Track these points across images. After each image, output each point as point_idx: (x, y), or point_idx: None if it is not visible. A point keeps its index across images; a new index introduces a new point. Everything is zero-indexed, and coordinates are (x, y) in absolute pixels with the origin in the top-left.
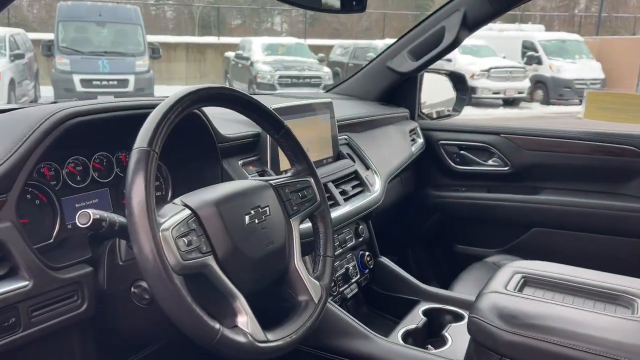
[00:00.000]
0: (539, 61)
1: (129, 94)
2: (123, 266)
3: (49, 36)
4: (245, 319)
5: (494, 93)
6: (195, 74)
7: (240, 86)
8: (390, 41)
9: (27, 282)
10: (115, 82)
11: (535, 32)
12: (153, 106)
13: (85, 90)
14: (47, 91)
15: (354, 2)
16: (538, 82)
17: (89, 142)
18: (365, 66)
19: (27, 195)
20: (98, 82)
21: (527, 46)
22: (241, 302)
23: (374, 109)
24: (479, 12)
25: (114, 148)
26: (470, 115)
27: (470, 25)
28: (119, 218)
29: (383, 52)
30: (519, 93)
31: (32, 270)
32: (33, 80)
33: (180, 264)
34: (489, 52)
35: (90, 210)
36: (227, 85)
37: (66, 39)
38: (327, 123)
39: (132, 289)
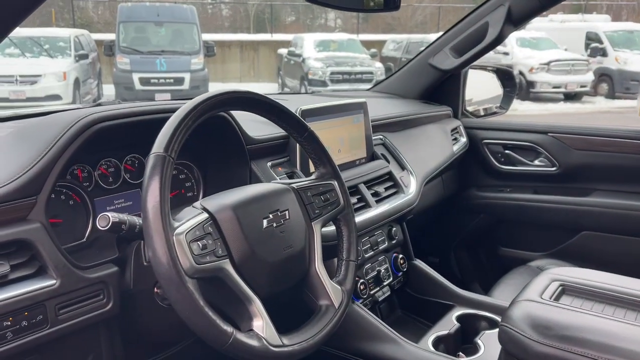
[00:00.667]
0: (603, 53)
1: (184, 91)
2: (148, 267)
3: (111, 37)
4: (261, 323)
5: (555, 87)
6: (249, 71)
7: (292, 83)
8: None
9: (54, 281)
10: (172, 80)
11: (600, 23)
12: (175, 110)
13: (144, 88)
14: (109, 89)
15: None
16: (603, 75)
17: (120, 145)
18: (407, 64)
19: (62, 196)
20: (156, 80)
21: (591, 37)
22: (257, 306)
23: (414, 108)
24: (525, 7)
25: (145, 150)
26: (528, 110)
27: (515, 20)
28: (139, 220)
29: (425, 49)
30: (582, 87)
31: (59, 269)
32: (96, 79)
33: (194, 267)
34: (549, 45)
35: (109, 214)
36: (279, 82)
37: (126, 39)
38: (360, 123)
39: (155, 289)
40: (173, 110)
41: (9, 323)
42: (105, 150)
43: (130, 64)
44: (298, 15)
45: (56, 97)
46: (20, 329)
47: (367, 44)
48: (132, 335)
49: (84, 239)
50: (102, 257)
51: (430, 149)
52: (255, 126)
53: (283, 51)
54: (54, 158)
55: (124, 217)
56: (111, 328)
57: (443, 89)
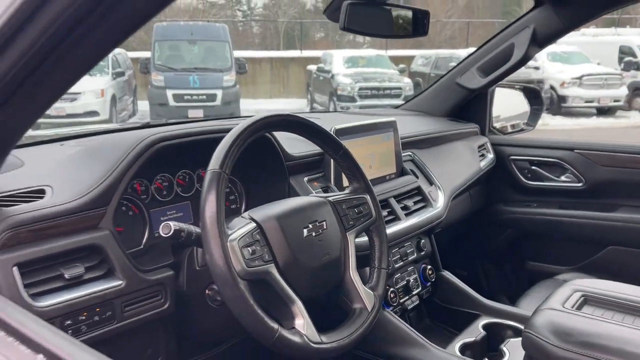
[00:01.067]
0: (638, 67)
1: (216, 107)
2: (200, 271)
3: (147, 55)
4: (302, 322)
5: (587, 102)
6: (279, 88)
7: (321, 98)
8: (474, 50)
9: (121, 282)
10: (204, 97)
11: (634, 36)
12: (227, 131)
13: (177, 104)
14: (143, 105)
15: (420, 26)
16: (637, 90)
17: (173, 161)
18: (435, 83)
19: (123, 207)
20: (189, 97)
21: (625, 51)
22: (299, 307)
23: (442, 125)
24: (549, 29)
25: (195, 166)
26: (560, 125)
27: (540, 41)
28: (195, 229)
29: (452, 69)
30: (615, 101)
31: (125, 271)
32: (132, 96)
33: (245, 270)
34: (581, 59)
35: (171, 222)
36: (308, 98)
37: (161, 57)
38: (390, 141)
39: (207, 291)
40: (224, 131)
41: (84, 317)
42: (160, 166)
43: (165, 81)
44: (327, 31)
45: (94, 114)
46: (93, 323)
47: (396, 60)
48: (185, 333)
49: (142, 246)
50: (159, 262)
51: (458, 165)
52: (292, 144)
53: (312, 67)
54: (121, 174)
55: (183, 225)
56: (167, 326)
57: (470, 107)
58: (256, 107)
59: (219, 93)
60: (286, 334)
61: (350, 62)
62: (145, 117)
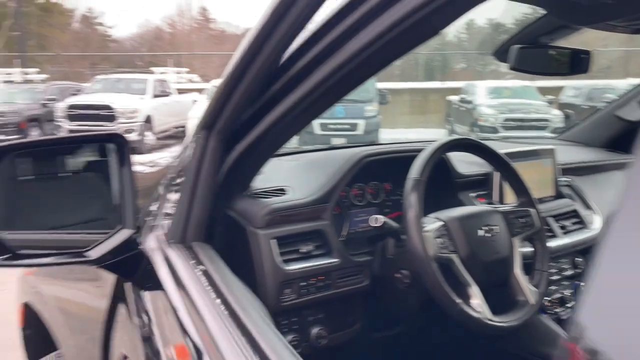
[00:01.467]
0: None
1: (358, 136)
2: (390, 259)
3: None
4: (478, 302)
5: None
6: (418, 118)
7: (461, 129)
8: (632, 81)
9: (337, 260)
10: (348, 126)
11: None
12: (416, 151)
13: (322, 132)
14: None
15: (582, 64)
16: None
17: (366, 174)
18: (591, 115)
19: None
20: (333, 126)
21: None
22: (475, 289)
23: (600, 155)
24: None
25: (382, 179)
26: None
27: None
28: (393, 223)
29: (611, 102)
30: None
31: (339, 252)
32: None
33: (436, 254)
34: None
35: (379, 216)
36: (449, 128)
37: None
38: (549, 167)
39: (396, 275)
40: (416, 151)
41: (312, 282)
42: (357, 177)
43: None
44: (469, 62)
45: None
46: (317, 288)
47: (543, 91)
48: (378, 308)
49: (343, 239)
50: (358, 250)
51: (616, 193)
52: (461, 164)
53: (453, 98)
54: (340, 180)
55: (387, 219)
56: (365, 300)
57: (630, 138)
58: (394, 136)
59: (362, 123)
60: (465, 307)
61: (494, 92)
62: (293, 143)
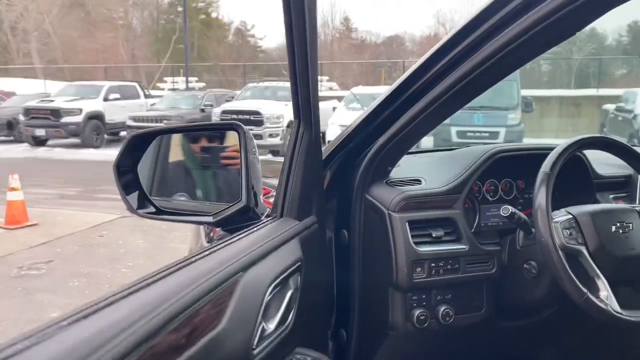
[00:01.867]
0: None
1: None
2: (520, 250)
3: None
4: (607, 294)
5: None
6: (566, 127)
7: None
8: None
9: (465, 246)
10: (487, 134)
11: None
12: (549, 149)
13: (460, 140)
14: (427, 141)
15: None
16: None
17: (499, 171)
18: None
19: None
20: (472, 134)
21: None
22: (604, 282)
23: None
24: None
25: (516, 177)
26: None
27: None
28: (522, 215)
29: None
30: None
31: (468, 239)
32: None
33: (563, 244)
34: None
35: (509, 207)
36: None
37: None
38: None
39: (524, 265)
40: (548, 149)
41: (441, 264)
42: (490, 173)
43: (451, 117)
44: (631, 67)
45: None
46: (446, 270)
47: None
48: (504, 297)
49: (472, 230)
50: (488, 240)
51: None
52: (599, 166)
53: (609, 107)
54: (471, 173)
55: (516, 211)
56: (491, 287)
57: None
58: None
59: (502, 131)
60: (593, 298)
61: None
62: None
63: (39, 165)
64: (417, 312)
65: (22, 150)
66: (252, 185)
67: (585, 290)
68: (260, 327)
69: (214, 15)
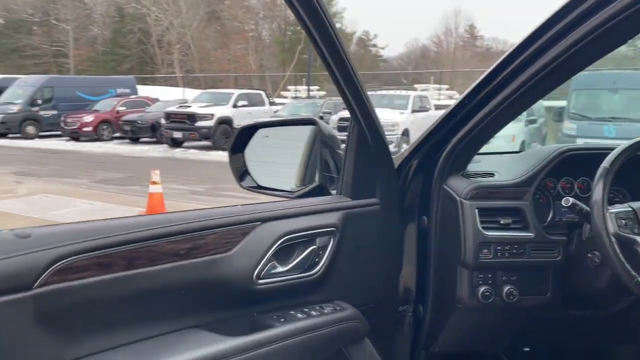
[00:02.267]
0: None
1: None
2: (585, 241)
3: (560, 103)
4: None
5: None
6: None
7: None
8: None
9: (531, 234)
10: None
11: None
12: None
13: None
14: None
15: None
16: None
17: (575, 170)
18: None
19: (536, 196)
20: None
21: None
22: None
23: None
24: None
25: (593, 176)
26: None
27: None
28: (584, 207)
29: None
30: None
31: (534, 228)
32: (541, 142)
33: (616, 232)
34: None
35: (571, 198)
36: None
37: (577, 105)
38: None
39: (588, 255)
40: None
41: (507, 248)
42: (566, 172)
43: (577, 129)
44: None
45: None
46: (511, 254)
47: None
48: (568, 285)
49: (545, 223)
50: (556, 231)
51: None
52: None
53: None
54: (541, 169)
55: (579, 203)
56: (556, 274)
57: None
58: None
59: None
60: None
61: None
62: None
63: (175, 164)
64: (482, 288)
65: (161, 151)
66: (325, 169)
67: (635, 273)
68: (269, 265)
69: (338, 26)
